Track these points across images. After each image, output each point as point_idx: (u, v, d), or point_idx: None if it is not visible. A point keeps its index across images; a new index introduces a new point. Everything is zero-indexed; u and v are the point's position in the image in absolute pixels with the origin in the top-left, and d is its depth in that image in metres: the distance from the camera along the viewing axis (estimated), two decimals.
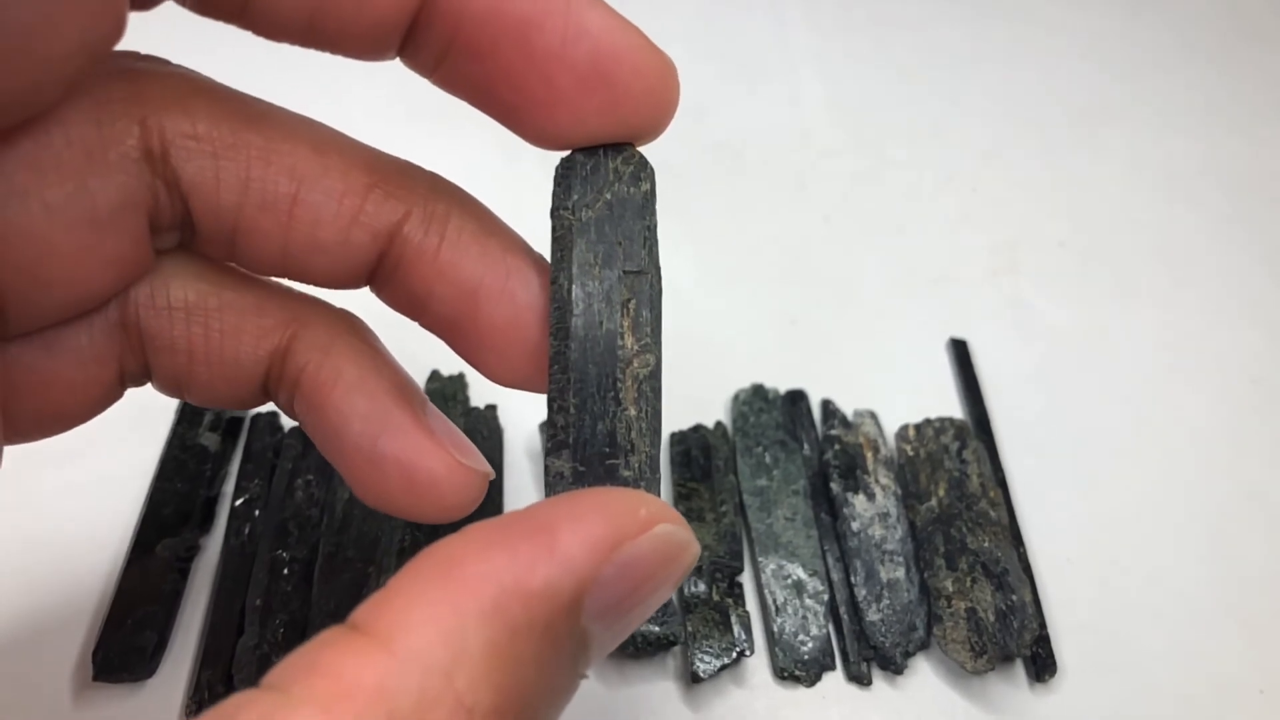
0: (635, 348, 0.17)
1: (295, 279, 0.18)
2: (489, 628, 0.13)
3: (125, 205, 0.16)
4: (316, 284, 0.19)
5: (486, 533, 0.14)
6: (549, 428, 0.17)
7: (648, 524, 0.15)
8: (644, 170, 0.18)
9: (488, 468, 0.19)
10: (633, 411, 0.17)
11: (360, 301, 0.20)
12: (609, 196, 0.18)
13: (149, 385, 0.20)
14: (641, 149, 0.18)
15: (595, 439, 0.17)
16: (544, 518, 0.14)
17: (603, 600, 0.14)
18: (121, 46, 0.17)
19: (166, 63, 0.17)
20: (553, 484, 0.17)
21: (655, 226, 0.18)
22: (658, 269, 0.18)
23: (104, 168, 0.16)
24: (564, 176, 0.18)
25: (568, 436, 0.17)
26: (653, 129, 0.18)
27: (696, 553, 0.16)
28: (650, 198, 0.18)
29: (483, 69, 0.17)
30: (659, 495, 0.16)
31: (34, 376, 0.18)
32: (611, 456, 0.17)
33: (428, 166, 0.19)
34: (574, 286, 0.17)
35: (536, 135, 0.18)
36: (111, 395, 0.19)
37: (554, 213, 0.18)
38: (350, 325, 0.20)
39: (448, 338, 0.19)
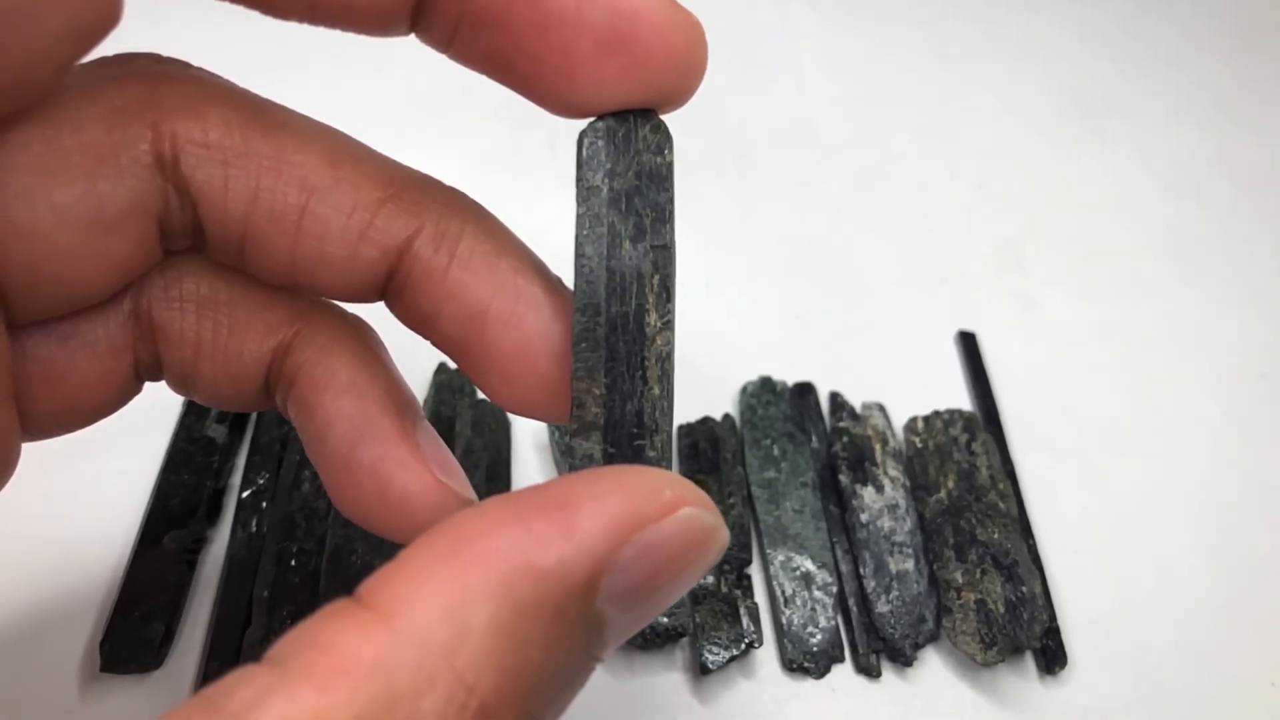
0: (659, 324, 0.17)
1: (305, 290, 0.18)
2: (495, 606, 0.12)
3: (133, 209, 0.16)
4: (326, 296, 0.19)
5: (502, 508, 0.13)
6: (574, 408, 0.17)
7: (672, 506, 0.14)
8: (667, 140, 0.17)
9: (470, 494, 0.19)
10: (656, 390, 0.17)
11: (377, 305, 0.20)
12: (638, 166, 0.17)
13: (161, 382, 0.19)
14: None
15: (625, 419, 0.17)
16: (563, 495, 0.14)
17: (621, 584, 0.14)
18: (140, 44, 0.17)
19: (187, 65, 0.17)
20: (579, 467, 0.17)
21: (674, 199, 0.17)
22: (675, 244, 0.17)
23: (114, 171, 0.16)
24: (593, 143, 0.17)
25: (599, 418, 0.17)
26: (679, 93, 0.17)
27: (725, 539, 0.15)
28: (672, 169, 0.17)
29: (497, 38, 0.16)
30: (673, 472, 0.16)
31: (50, 369, 0.17)
32: (639, 437, 0.17)
33: (438, 153, 0.18)
34: (606, 261, 0.17)
35: (557, 104, 0.17)
36: (129, 388, 0.19)
37: (581, 181, 0.17)
38: (355, 329, 0.19)
39: (456, 359, 0.19)
